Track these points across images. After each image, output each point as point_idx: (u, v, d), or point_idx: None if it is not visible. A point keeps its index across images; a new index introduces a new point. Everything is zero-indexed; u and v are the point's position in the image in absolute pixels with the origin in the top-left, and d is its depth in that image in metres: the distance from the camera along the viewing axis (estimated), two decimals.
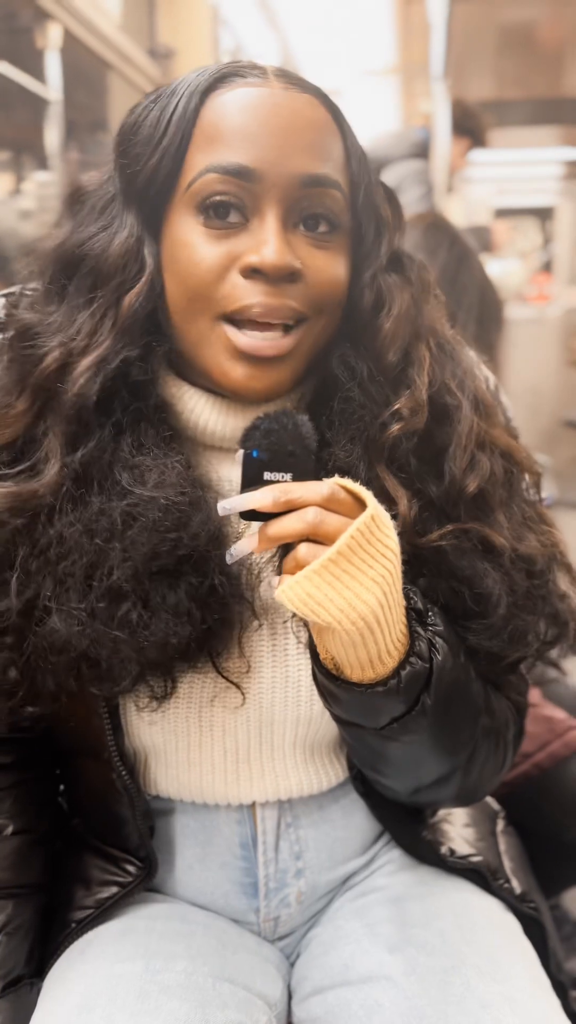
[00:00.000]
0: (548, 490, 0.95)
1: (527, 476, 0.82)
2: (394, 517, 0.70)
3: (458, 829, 0.92)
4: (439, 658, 0.70)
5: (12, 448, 0.74)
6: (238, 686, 0.78)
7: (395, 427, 0.74)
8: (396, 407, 0.75)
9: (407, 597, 0.71)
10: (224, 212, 0.71)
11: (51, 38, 3.14)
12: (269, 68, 0.75)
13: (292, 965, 0.90)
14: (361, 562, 0.64)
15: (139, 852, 0.84)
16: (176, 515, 0.70)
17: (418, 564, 0.73)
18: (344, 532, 0.63)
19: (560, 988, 0.84)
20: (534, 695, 1.28)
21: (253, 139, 0.71)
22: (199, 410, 0.78)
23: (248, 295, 0.70)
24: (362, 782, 0.85)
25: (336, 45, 5.19)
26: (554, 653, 0.85)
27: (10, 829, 0.86)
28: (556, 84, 6.17)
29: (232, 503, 0.67)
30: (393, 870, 0.89)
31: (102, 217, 0.76)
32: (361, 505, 0.66)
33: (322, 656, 0.70)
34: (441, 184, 3.31)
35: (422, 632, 0.70)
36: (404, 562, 0.69)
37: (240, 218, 0.72)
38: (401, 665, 0.68)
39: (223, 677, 0.77)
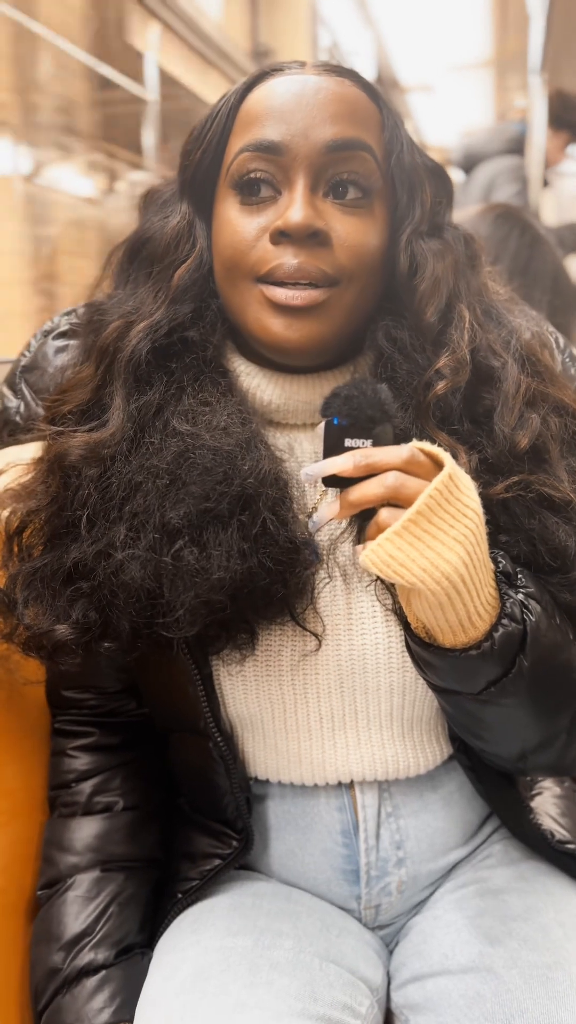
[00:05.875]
0: None
1: None
2: None
3: (555, 818, 0.92)
4: (532, 619, 0.70)
5: (85, 410, 0.81)
6: (316, 635, 0.79)
7: (439, 385, 0.76)
8: (438, 366, 0.77)
9: (495, 561, 0.71)
10: (257, 188, 0.77)
11: (149, 39, 3.21)
12: (310, 62, 0.80)
13: (391, 953, 0.91)
14: (442, 521, 0.65)
15: (237, 824, 0.87)
16: (225, 455, 0.74)
17: (492, 522, 0.74)
18: (423, 492, 0.64)
19: None
20: None
21: (281, 116, 0.76)
22: (262, 385, 0.82)
23: (276, 257, 0.75)
24: (467, 755, 0.85)
25: (431, 40, 5.15)
26: None
27: (120, 805, 0.90)
28: None
29: (315, 468, 0.69)
30: (493, 864, 0.90)
31: (164, 209, 0.85)
32: (440, 469, 0.67)
33: (413, 624, 0.72)
34: (536, 179, 3.25)
35: (513, 594, 0.70)
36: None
37: (272, 192, 0.77)
38: (494, 627, 0.69)
39: (299, 625, 0.78)
